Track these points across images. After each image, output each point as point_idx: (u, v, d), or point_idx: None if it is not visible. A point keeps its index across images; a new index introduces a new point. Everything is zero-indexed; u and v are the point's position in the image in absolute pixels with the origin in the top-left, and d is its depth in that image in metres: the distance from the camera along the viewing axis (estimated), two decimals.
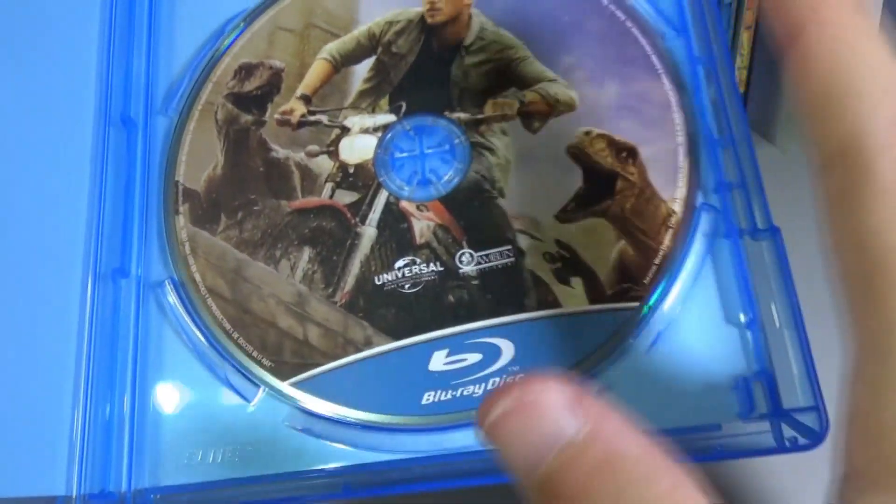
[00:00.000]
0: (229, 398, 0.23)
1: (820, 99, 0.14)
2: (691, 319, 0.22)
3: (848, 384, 0.14)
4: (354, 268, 0.24)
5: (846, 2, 0.15)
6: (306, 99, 0.26)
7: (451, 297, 0.23)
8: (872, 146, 0.14)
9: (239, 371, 0.23)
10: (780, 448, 0.20)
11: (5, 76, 0.27)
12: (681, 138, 0.24)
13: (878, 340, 0.14)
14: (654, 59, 0.25)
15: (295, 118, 0.26)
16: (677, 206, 0.23)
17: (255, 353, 0.23)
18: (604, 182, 0.24)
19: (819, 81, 0.14)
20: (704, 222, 0.23)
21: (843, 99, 0.14)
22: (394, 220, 0.24)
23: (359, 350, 0.23)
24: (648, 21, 0.25)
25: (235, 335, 0.23)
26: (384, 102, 0.26)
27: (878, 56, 0.14)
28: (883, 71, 0.14)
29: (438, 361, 0.22)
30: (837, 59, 0.14)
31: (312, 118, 0.26)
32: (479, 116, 0.25)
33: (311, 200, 0.25)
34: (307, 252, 0.24)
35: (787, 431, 0.20)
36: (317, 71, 0.26)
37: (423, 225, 0.24)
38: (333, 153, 0.25)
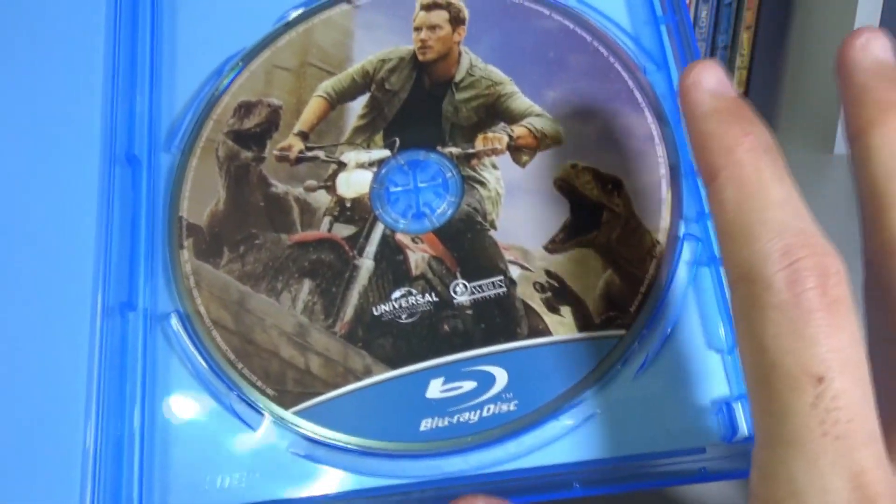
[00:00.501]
0: (235, 426, 0.24)
1: (729, 230, 0.17)
2: (676, 346, 0.23)
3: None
4: (353, 299, 0.25)
5: (760, 143, 0.17)
6: (304, 135, 0.27)
7: (446, 327, 0.24)
8: (768, 271, 0.16)
9: (244, 400, 0.24)
10: None
11: (14, 118, 0.28)
12: (663, 170, 0.25)
13: (768, 430, 0.16)
14: (637, 93, 0.26)
15: (293, 154, 0.27)
16: (661, 236, 0.24)
17: (258, 383, 0.24)
18: (590, 213, 0.25)
19: (728, 217, 0.17)
20: (687, 251, 0.24)
21: (746, 233, 0.17)
22: (390, 252, 0.25)
23: (358, 379, 0.24)
24: (630, 56, 0.26)
25: (240, 365, 0.24)
26: (379, 138, 0.27)
27: (777, 196, 0.17)
28: (778, 210, 0.17)
29: (435, 389, 0.23)
30: (742, 199, 0.17)
31: (310, 154, 0.27)
32: (470, 151, 0.26)
33: (311, 234, 0.26)
34: (307, 284, 0.25)
35: None
36: (313, 108, 0.27)
37: (418, 257, 0.25)
38: (331, 188, 0.26)
